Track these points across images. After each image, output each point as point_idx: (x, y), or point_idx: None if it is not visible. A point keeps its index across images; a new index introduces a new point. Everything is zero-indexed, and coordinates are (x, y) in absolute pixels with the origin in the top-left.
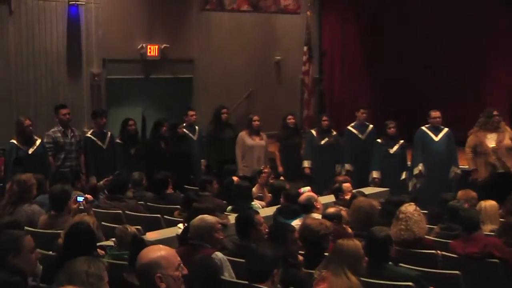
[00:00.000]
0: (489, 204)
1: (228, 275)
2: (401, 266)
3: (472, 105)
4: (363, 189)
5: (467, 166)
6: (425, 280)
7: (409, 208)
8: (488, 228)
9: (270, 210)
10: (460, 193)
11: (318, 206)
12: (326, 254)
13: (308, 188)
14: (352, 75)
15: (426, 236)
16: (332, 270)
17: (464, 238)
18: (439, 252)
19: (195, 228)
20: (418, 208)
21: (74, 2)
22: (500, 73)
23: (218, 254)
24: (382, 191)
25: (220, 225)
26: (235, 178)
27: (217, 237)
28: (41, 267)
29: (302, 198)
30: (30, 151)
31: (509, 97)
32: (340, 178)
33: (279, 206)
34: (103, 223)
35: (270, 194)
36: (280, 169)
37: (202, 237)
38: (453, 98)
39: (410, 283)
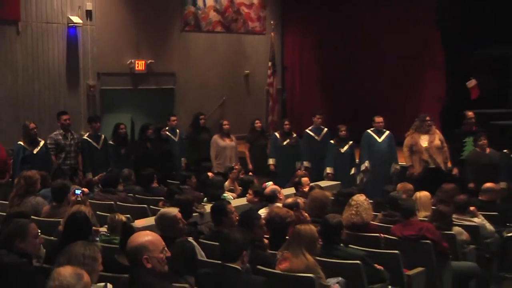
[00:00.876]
0: (423, 194)
1: (200, 256)
2: (350, 247)
3: (408, 112)
4: (319, 182)
5: (404, 163)
6: (370, 259)
7: (360, 197)
8: (422, 215)
9: (240, 201)
10: (399, 185)
11: (281, 197)
12: (287, 237)
13: (271, 182)
14: (309, 86)
15: (371, 222)
16: (292, 251)
17: (403, 223)
18: (382, 235)
19: (165, 220)
20: (365, 198)
21: (72, 24)
22: (431, 85)
23: (191, 240)
24: (334, 184)
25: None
26: (210, 174)
27: (180, 228)
28: (44, 250)
29: (267, 190)
30: (35, 151)
31: (438, 105)
32: (300, 173)
33: None
34: (97, 212)
35: (240, 187)
36: (250, 166)
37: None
38: (393, 106)
39: (357, 261)
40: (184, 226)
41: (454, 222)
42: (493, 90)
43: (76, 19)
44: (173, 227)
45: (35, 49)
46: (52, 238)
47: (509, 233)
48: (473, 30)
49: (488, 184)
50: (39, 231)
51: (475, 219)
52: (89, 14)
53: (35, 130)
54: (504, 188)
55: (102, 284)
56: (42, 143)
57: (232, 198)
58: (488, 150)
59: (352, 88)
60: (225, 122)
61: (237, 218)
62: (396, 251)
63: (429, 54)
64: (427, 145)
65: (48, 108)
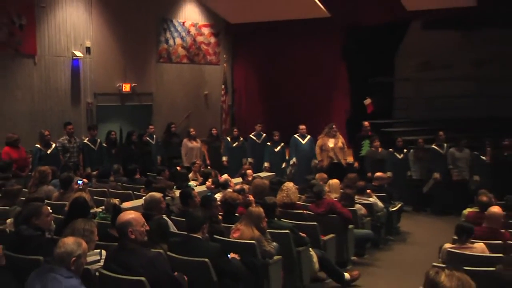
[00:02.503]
0: (334, 181)
1: (172, 229)
2: (282, 220)
3: (323, 122)
4: (259, 174)
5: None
6: (296, 229)
7: (289, 184)
8: (333, 196)
9: (201, 188)
10: (317, 175)
11: (232, 185)
12: (236, 214)
13: (226, 174)
14: (252, 103)
15: (297, 202)
16: (244, 224)
17: (317, 203)
18: (304, 211)
19: (147, 202)
20: (293, 185)
21: (75, 57)
22: (339, 102)
23: (165, 217)
24: (270, 175)
25: (163, 199)
26: (178, 168)
27: (161, 207)
28: (54, 225)
29: (221, 179)
30: (48, 151)
31: (344, 117)
32: (245, 167)
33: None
34: (94, 197)
35: (201, 178)
36: (208, 162)
37: (151, 207)
38: (312, 117)
39: (287, 231)
40: (165, 207)
41: (356, 201)
42: (382, 106)
43: (78, 53)
44: (157, 206)
45: (47, 76)
46: (60, 216)
47: (393, 208)
48: (368, 64)
49: (379, 174)
50: (50, 211)
51: (370, 199)
52: (88, 49)
53: (48, 136)
54: (390, 176)
55: (98, 250)
56: (53, 145)
57: (195, 185)
58: (380, 149)
59: (282, 104)
60: (192, 129)
61: (199, 200)
62: (315, 223)
63: (338, 79)
64: (332, 146)
65: (57, 119)
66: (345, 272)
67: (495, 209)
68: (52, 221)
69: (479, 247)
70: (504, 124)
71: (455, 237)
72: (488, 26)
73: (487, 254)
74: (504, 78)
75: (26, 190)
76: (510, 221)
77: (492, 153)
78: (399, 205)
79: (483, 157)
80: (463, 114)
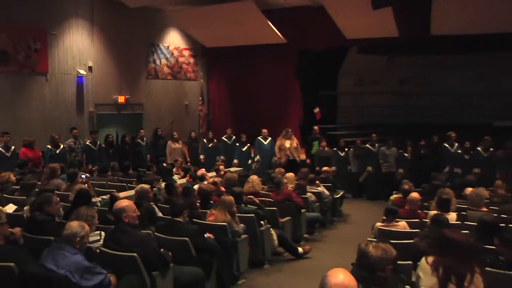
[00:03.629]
0: (289, 174)
1: (159, 214)
2: (248, 206)
3: (281, 126)
4: (230, 169)
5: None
6: (258, 212)
7: (254, 177)
8: (289, 186)
9: (182, 180)
10: (276, 170)
11: (207, 178)
12: (211, 202)
13: (204, 169)
14: (224, 111)
15: (261, 191)
16: (217, 209)
17: (276, 192)
18: (267, 198)
19: (138, 193)
20: (257, 177)
21: (80, 75)
22: (294, 111)
23: (152, 205)
24: (239, 169)
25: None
26: (164, 164)
27: (150, 196)
28: (62, 212)
29: (198, 173)
30: (57, 151)
31: (298, 122)
32: (218, 163)
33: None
34: (95, 188)
35: (182, 172)
36: (188, 159)
37: (141, 197)
38: (272, 123)
39: (252, 214)
40: (152, 196)
41: (308, 190)
42: (328, 114)
43: (82, 72)
44: (146, 195)
45: (56, 90)
46: (67, 204)
47: (336, 195)
48: (316, 80)
49: (326, 168)
50: (59, 200)
51: (319, 188)
52: (90, 68)
53: (57, 138)
54: (334, 170)
55: (98, 231)
56: (61, 146)
57: (177, 179)
58: (326, 149)
59: (248, 113)
60: (175, 133)
61: (180, 190)
62: (275, 208)
63: (292, 93)
64: (289, 146)
65: (64, 125)
66: (299, 246)
67: (414, 194)
68: (61, 208)
69: (402, 225)
70: (421, 128)
71: (384, 217)
72: (408, 52)
73: (408, 230)
74: (420, 93)
75: (39, 183)
76: (425, 204)
77: (412, 151)
78: (341, 192)
79: (406, 154)
80: (390, 121)
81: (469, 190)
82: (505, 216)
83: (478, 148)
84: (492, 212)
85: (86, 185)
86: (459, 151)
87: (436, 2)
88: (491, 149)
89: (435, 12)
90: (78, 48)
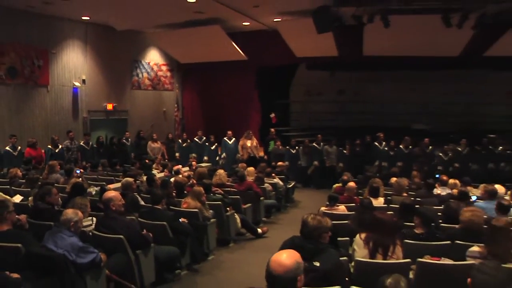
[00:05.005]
0: (250, 169)
1: (141, 202)
2: (216, 194)
3: (243, 129)
4: (201, 164)
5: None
6: (225, 200)
7: (221, 171)
8: (250, 178)
9: (161, 174)
10: (240, 165)
11: (182, 172)
12: (185, 192)
13: (180, 166)
14: (196, 116)
15: (227, 183)
16: (190, 198)
17: (239, 183)
18: (231, 189)
19: (123, 185)
20: (223, 171)
21: (75, 86)
22: (254, 115)
23: (136, 195)
24: (208, 165)
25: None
26: (146, 161)
27: (133, 188)
28: (61, 201)
29: (174, 168)
30: (57, 150)
31: (257, 125)
32: (191, 160)
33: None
34: (88, 182)
35: (161, 167)
36: (166, 157)
37: (126, 188)
38: (236, 126)
39: (219, 202)
40: (136, 187)
41: (265, 182)
42: (282, 118)
43: (77, 84)
44: (130, 187)
45: (56, 99)
46: (64, 195)
47: (289, 185)
48: (272, 91)
49: (280, 163)
50: (58, 191)
51: (274, 180)
52: (84, 81)
53: (57, 140)
54: (287, 164)
55: (90, 217)
56: (60, 146)
57: (157, 173)
58: (281, 147)
59: (216, 117)
60: (154, 135)
61: (159, 183)
62: (238, 196)
63: (252, 101)
64: (250, 145)
65: (63, 128)
66: (258, 228)
67: (351, 184)
68: (59, 198)
69: (341, 208)
70: (356, 130)
71: (327, 203)
72: (345, 69)
73: (346, 212)
74: (355, 101)
75: (41, 177)
76: (360, 191)
77: (349, 149)
78: (293, 183)
79: (345, 151)
80: (332, 124)
81: (393, 179)
82: (419, 199)
83: (400, 146)
84: (410, 196)
85: (81, 178)
86: (386, 149)
87: (367, 30)
88: (410, 146)
89: (366, 37)
90: (74, 64)
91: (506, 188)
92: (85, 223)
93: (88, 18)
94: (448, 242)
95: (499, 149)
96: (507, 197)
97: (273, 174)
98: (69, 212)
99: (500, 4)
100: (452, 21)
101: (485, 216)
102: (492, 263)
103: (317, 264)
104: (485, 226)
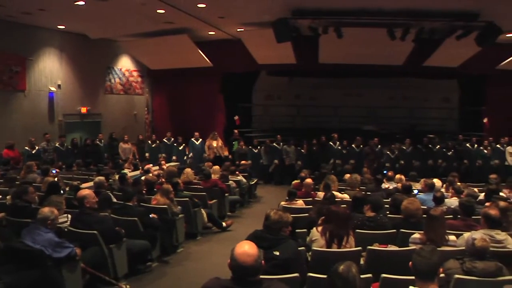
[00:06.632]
0: (216, 167)
1: (113, 200)
2: (184, 192)
3: (209, 130)
4: (170, 164)
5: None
6: (192, 198)
7: (188, 169)
8: (216, 176)
9: (132, 173)
10: (206, 164)
11: (152, 171)
12: (155, 189)
13: (151, 165)
14: (164, 119)
15: (194, 180)
16: (159, 195)
17: (206, 181)
18: (200, 186)
19: (96, 183)
20: (191, 170)
21: (51, 91)
22: (219, 118)
23: (109, 193)
24: (176, 164)
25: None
26: (120, 161)
27: (107, 186)
28: (37, 199)
29: (144, 167)
30: (33, 151)
31: (222, 127)
32: (160, 160)
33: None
34: (64, 180)
35: (132, 167)
36: (137, 156)
37: (100, 186)
38: (203, 127)
39: (187, 198)
40: (108, 185)
41: (230, 179)
42: (245, 120)
43: (53, 88)
44: (103, 185)
45: (33, 103)
46: (41, 193)
47: (252, 182)
48: (236, 95)
49: (243, 162)
50: (34, 190)
51: (238, 177)
52: (59, 86)
53: (34, 141)
54: (250, 163)
55: (66, 215)
56: (37, 148)
57: (128, 172)
58: (244, 147)
59: (184, 120)
60: (126, 136)
61: (131, 181)
62: (204, 193)
63: (218, 104)
64: (215, 145)
65: (40, 131)
66: (224, 222)
67: (309, 180)
68: (36, 197)
69: (299, 203)
70: (312, 131)
71: (287, 198)
72: (302, 75)
73: (304, 206)
74: (311, 105)
75: (19, 177)
76: (317, 187)
77: (306, 148)
78: (255, 180)
79: (303, 150)
80: (290, 126)
81: (347, 176)
82: (369, 192)
83: (353, 145)
84: (361, 191)
85: (56, 178)
86: (340, 148)
87: (322, 40)
88: (361, 146)
89: (321, 47)
90: (50, 70)
91: (443, 181)
92: (60, 220)
93: (64, 27)
94: (394, 230)
95: (437, 147)
96: (443, 190)
97: (237, 172)
98: (46, 211)
99: (433, 22)
100: (396, 34)
101: (424, 207)
102: (429, 247)
103: (277, 253)
104: (424, 216)
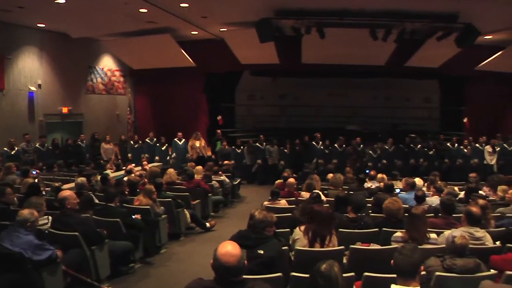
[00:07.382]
0: (199, 167)
1: (95, 201)
2: (167, 193)
3: (192, 130)
4: (153, 164)
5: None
6: (176, 199)
7: (171, 170)
8: (199, 176)
9: (114, 174)
10: (189, 164)
11: (134, 171)
12: (137, 190)
13: (133, 164)
14: (147, 119)
15: (177, 181)
16: (142, 196)
17: (189, 181)
18: (183, 186)
19: (78, 184)
20: (174, 170)
21: (31, 91)
22: (202, 118)
23: (90, 193)
24: (159, 164)
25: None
26: (102, 161)
27: (88, 187)
28: (17, 201)
29: (127, 168)
30: (13, 152)
31: (205, 127)
32: (143, 160)
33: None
34: (44, 182)
35: (114, 167)
36: (119, 157)
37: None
38: (186, 127)
39: (170, 199)
40: (90, 186)
41: (213, 179)
42: (228, 121)
43: (33, 88)
44: (85, 186)
45: (12, 103)
46: (21, 195)
47: (235, 182)
48: (219, 95)
49: (226, 162)
50: (13, 191)
51: (221, 177)
52: (39, 85)
53: (13, 142)
54: (233, 163)
55: (46, 216)
56: (16, 148)
57: (111, 172)
58: (227, 147)
59: (167, 120)
60: (108, 136)
61: (113, 182)
62: (188, 193)
63: (201, 104)
64: (198, 145)
65: (19, 131)
66: (207, 222)
67: (291, 180)
68: (15, 198)
69: (282, 202)
70: (295, 131)
71: (270, 197)
72: (285, 75)
73: (287, 206)
74: (295, 105)
75: None
76: (300, 186)
77: (289, 148)
78: (239, 180)
79: (285, 150)
80: (273, 126)
81: (330, 175)
82: (352, 192)
83: (335, 145)
84: (344, 190)
85: (37, 179)
86: (322, 147)
87: (304, 40)
88: (344, 145)
89: (304, 47)
90: (30, 69)
91: (424, 180)
92: (41, 222)
93: (44, 25)
94: (376, 229)
95: (418, 147)
96: (424, 188)
97: (220, 172)
98: (25, 213)
99: (414, 23)
100: (378, 35)
101: (406, 206)
102: (410, 245)
103: (262, 252)
104: (406, 214)
